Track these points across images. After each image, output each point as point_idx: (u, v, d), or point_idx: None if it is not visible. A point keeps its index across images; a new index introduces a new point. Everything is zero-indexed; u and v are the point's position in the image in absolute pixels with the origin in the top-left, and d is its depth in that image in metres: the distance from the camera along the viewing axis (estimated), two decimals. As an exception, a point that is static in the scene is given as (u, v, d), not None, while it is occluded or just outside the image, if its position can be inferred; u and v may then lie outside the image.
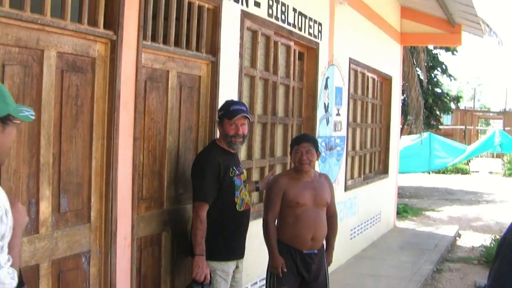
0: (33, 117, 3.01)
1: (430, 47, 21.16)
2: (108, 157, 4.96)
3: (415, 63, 19.23)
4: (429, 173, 29.73)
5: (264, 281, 6.47)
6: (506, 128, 38.45)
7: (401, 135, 21.28)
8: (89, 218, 4.90)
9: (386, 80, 14.27)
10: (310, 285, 6.34)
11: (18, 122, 2.95)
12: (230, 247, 5.82)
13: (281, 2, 8.01)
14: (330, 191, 6.47)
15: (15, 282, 2.73)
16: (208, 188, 5.63)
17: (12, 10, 4.02)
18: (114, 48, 4.95)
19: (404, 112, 19.73)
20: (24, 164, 4.26)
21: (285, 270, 6.18)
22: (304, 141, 6.33)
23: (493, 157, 37.30)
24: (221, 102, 6.31)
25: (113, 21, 4.95)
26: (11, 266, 2.74)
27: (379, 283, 9.87)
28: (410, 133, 22.36)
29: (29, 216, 4.06)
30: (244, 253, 6.02)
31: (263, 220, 6.30)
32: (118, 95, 4.94)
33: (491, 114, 49.80)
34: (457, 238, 14.66)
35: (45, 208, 4.46)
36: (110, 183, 4.96)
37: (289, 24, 8.31)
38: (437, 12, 13.17)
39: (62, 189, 4.60)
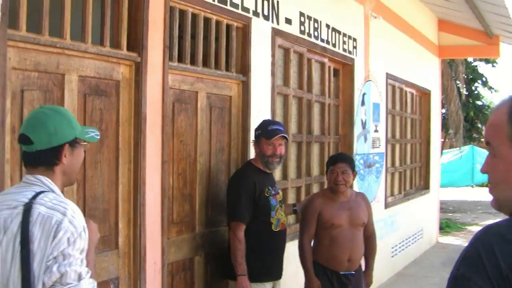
0: (98, 137, 3.33)
1: (470, 59, 20.90)
2: (136, 182, 4.93)
3: (454, 76, 18.98)
4: (473, 186, 29.30)
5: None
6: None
7: (442, 149, 20.99)
8: (116, 244, 4.85)
9: (425, 95, 14.17)
10: None
11: (85, 143, 3.24)
12: (266, 267, 5.73)
13: (314, 18, 7.95)
14: (367, 211, 6.34)
15: None
16: (244, 207, 5.58)
17: (29, 34, 4.01)
18: (139, 70, 4.93)
19: (445, 126, 19.44)
20: (48, 192, 4.18)
21: None
22: (340, 161, 6.20)
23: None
24: (253, 122, 6.28)
25: (137, 43, 4.96)
26: (90, 277, 2.99)
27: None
28: (451, 146, 22.04)
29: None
30: (281, 274, 5.94)
31: (298, 242, 6.21)
32: (144, 118, 4.92)
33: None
34: (502, 253, 14.31)
35: (70, 235, 4.35)
36: (138, 208, 4.92)
37: (322, 40, 8.25)
38: (474, 24, 13.09)
39: (87, 215, 4.44)
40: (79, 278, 2.91)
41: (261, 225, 5.67)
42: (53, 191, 3.05)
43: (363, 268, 6.42)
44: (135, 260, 4.94)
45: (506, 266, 1.78)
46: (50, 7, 4.17)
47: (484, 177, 20.69)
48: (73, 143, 3.13)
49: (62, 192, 3.16)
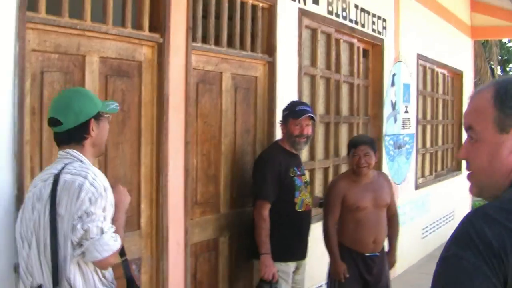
0: (118, 108, 3.83)
1: (504, 40, 20.63)
2: (158, 163, 4.96)
3: (488, 57, 18.82)
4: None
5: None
6: None
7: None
8: (139, 225, 4.89)
9: (457, 75, 14.07)
10: (372, 286, 6.29)
11: (108, 115, 3.73)
12: (289, 247, 5.78)
13: None
14: (389, 191, 6.37)
15: (118, 243, 3.40)
16: (269, 186, 5.63)
17: (49, 17, 4.05)
18: (161, 52, 4.96)
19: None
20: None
21: (347, 275, 6.12)
22: (361, 144, 6.20)
23: None
24: (279, 103, 6.32)
25: (159, 24, 4.96)
26: (116, 233, 3.43)
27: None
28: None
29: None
30: (305, 255, 5.98)
31: (323, 226, 6.24)
32: (167, 99, 4.95)
33: None
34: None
35: (92, 216, 4.40)
36: (161, 188, 4.96)
37: (351, 21, 8.22)
38: (507, 5, 12.96)
39: None
40: (102, 232, 3.33)
41: (285, 205, 5.70)
42: (80, 161, 3.51)
43: (386, 248, 6.44)
44: (158, 240, 4.97)
45: (497, 244, 1.77)
46: (70, -11, 4.19)
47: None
48: (98, 116, 3.59)
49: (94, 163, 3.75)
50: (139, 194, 4.89)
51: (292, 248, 5.79)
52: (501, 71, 20.97)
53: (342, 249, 6.12)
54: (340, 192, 6.13)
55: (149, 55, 4.93)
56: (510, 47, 21.17)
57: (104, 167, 4.50)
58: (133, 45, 4.78)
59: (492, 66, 19.98)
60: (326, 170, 7.83)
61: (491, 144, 1.99)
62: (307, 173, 7.05)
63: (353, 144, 6.25)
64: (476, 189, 2.08)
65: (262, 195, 5.60)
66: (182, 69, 5.13)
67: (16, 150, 3.78)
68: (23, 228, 3.51)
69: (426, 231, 11.60)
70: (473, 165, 2.05)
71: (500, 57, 20.47)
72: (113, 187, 3.61)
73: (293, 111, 5.79)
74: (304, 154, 7.10)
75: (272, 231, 5.57)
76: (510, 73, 21.99)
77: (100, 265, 3.45)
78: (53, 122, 3.57)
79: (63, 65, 4.20)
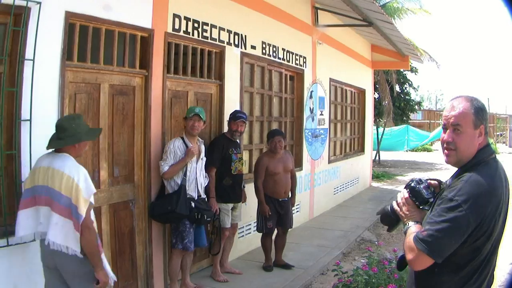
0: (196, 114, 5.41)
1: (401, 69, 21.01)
2: (145, 145, 5.24)
3: (390, 80, 19.28)
4: (406, 151, 29.50)
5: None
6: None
7: (385, 127, 21.33)
8: (133, 180, 5.19)
9: (361, 92, 14.11)
10: (283, 217, 6.67)
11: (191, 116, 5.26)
12: (227, 194, 6.11)
13: (272, 45, 8.05)
14: (291, 162, 6.75)
15: (165, 169, 5.07)
16: (216, 158, 5.95)
17: (78, 63, 4.46)
18: (147, 80, 5.23)
19: (380, 113, 19.81)
20: (90, 149, 4.67)
21: (270, 213, 6.52)
22: (277, 135, 6.62)
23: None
24: (226, 110, 6.56)
25: (146, 63, 5.23)
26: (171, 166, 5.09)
27: (346, 221, 9.98)
28: (385, 126, 22.32)
29: (93, 179, 4.47)
30: (239, 199, 6.28)
31: (254, 184, 6.59)
32: (150, 108, 5.25)
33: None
34: (410, 193, 14.50)
35: (103, 174, 4.84)
36: (146, 160, 5.24)
37: (279, 58, 8.34)
38: (392, 48, 13.28)
39: (114, 163, 4.96)
40: (162, 164, 5.12)
41: (225, 169, 6.04)
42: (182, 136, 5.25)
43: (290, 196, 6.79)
44: (145, 189, 5.26)
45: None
46: (91, 45, 4.56)
47: (414, 145, 20.90)
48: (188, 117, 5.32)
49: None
50: (133, 162, 5.13)
51: (229, 194, 6.12)
52: (400, 89, 21.40)
53: (266, 197, 6.51)
54: (265, 164, 6.52)
55: (139, 82, 5.18)
56: (405, 74, 21.51)
57: (111, 146, 4.84)
58: (129, 77, 5.05)
59: (392, 86, 20.40)
60: (261, 150, 8.02)
61: (470, 135, 2.26)
62: (247, 152, 7.42)
63: (271, 135, 6.66)
64: (455, 160, 2.30)
65: (211, 163, 5.87)
66: (160, 91, 5.37)
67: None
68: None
69: (337, 190, 11.82)
70: (457, 146, 2.27)
71: (400, 80, 20.91)
72: (188, 148, 5.10)
73: (234, 116, 6.13)
74: (245, 140, 7.41)
75: (217, 184, 5.92)
76: (405, 90, 22.32)
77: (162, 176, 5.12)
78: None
79: (87, 90, 4.58)
